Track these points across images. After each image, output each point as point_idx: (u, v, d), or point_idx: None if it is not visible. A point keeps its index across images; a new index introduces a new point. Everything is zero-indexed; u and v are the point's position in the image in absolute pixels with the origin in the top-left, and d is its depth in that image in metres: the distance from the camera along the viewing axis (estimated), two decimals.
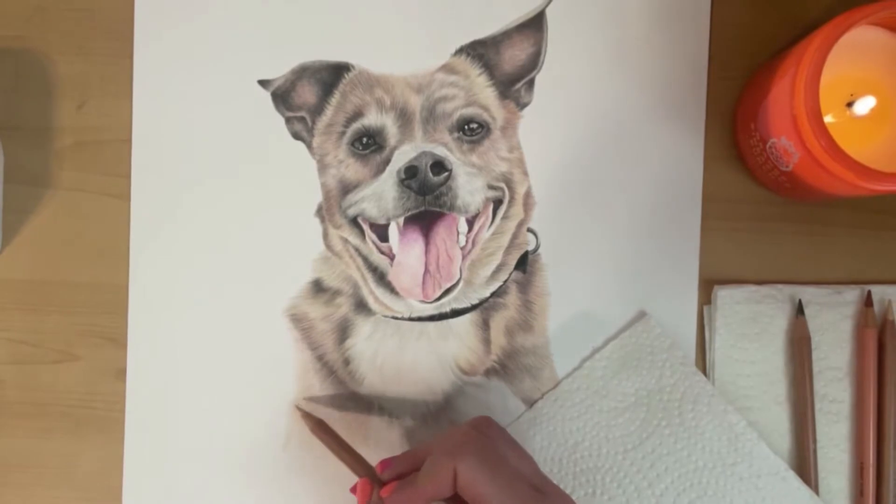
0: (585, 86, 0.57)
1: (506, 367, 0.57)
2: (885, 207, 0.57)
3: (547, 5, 0.57)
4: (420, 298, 0.57)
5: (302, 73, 0.57)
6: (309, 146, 0.57)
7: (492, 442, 0.48)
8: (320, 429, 0.54)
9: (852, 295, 0.56)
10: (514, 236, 0.57)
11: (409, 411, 0.57)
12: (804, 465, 0.55)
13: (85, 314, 0.57)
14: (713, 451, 0.55)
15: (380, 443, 0.57)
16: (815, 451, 0.55)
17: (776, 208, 0.57)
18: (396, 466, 0.50)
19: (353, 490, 0.51)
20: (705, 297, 0.57)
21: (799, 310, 0.56)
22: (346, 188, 0.57)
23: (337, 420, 0.57)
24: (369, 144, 0.56)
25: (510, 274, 0.57)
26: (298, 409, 0.55)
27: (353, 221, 0.57)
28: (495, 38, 0.57)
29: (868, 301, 0.56)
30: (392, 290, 0.57)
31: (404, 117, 0.56)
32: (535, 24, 0.57)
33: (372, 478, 0.51)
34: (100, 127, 0.57)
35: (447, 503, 0.48)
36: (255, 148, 0.57)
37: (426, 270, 0.56)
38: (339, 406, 0.57)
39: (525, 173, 0.57)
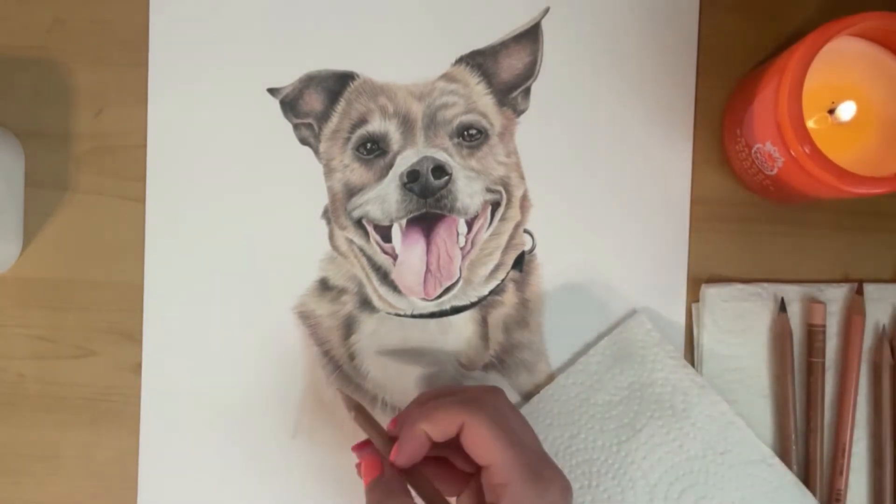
0: (579, 93, 0.57)
1: (503, 362, 0.58)
2: (864, 209, 0.57)
3: (542, 17, 0.57)
4: (422, 296, 0.57)
5: (309, 81, 0.58)
6: (316, 151, 0.58)
7: (502, 408, 0.49)
8: (359, 413, 0.52)
9: (833, 293, 0.57)
10: (512, 237, 0.58)
11: None
12: (786, 454, 0.56)
13: (102, 311, 0.58)
14: (704, 441, 0.55)
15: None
16: (795, 440, 0.56)
17: (761, 210, 0.57)
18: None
19: (358, 467, 0.50)
20: (693, 295, 0.57)
21: (782, 307, 0.56)
22: (351, 191, 0.57)
23: (344, 415, 0.57)
24: (373, 150, 0.57)
25: (507, 273, 0.58)
26: (340, 391, 0.52)
27: (358, 223, 0.58)
28: (494, 48, 0.57)
29: (859, 290, 0.56)
30: (395, 288, 0.57)
31: (406, 124, 0.57)
32: (531, 35, 0.57)
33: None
34: (116, 133, 0.58)
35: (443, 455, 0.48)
36: (264, 153, 0.58)
37: (427, 270, 0.57)
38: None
39: (522, 177, 0.58)
